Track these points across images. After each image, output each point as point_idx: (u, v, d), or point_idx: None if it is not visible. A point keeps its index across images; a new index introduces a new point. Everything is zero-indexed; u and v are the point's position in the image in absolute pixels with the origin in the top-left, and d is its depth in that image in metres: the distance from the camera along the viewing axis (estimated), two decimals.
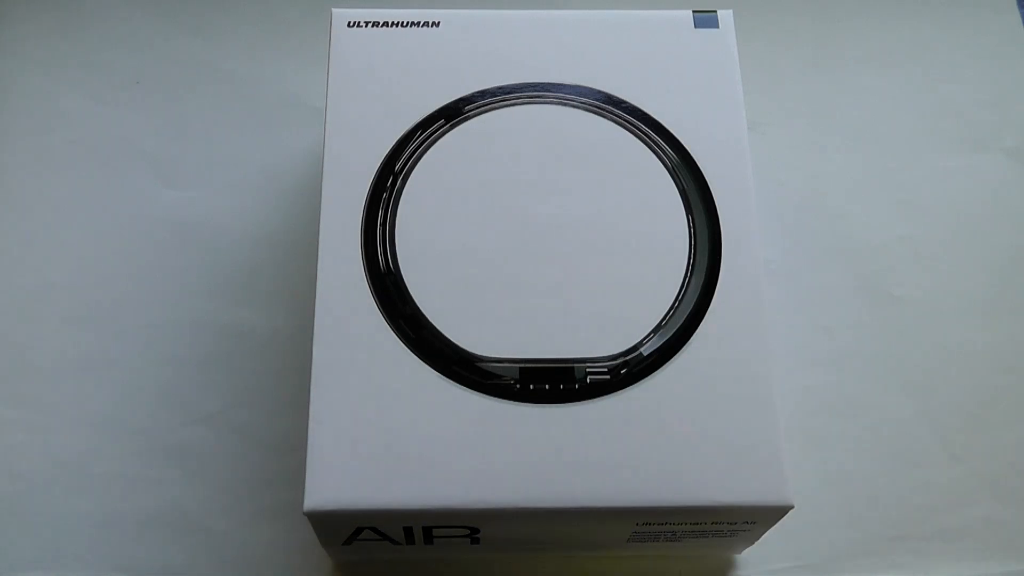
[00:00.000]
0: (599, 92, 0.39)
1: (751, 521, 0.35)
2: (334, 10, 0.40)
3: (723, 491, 0.34)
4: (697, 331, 0.36)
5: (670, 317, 0.36)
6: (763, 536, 0.38)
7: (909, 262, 0.46)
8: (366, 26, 0.40)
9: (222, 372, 0.43)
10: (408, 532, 0.35)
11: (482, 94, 0.39)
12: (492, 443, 0.34)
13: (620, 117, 0.39)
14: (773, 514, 0.35)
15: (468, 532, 0.36)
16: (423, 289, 0.36)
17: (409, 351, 0.35)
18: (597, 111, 0.39)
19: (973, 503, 0.42)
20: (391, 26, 0.40)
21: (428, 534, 0.36)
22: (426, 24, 0.40)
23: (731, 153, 0.38)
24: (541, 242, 0.37)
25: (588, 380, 0.35)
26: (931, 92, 0.50)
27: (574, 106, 0.39)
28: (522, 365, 0.35)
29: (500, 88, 0.39)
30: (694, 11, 0.40)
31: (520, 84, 0.39)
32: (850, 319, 0.45)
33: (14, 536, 0.40)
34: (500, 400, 0.34)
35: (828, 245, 0.46)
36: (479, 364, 0.35)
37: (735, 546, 0.39)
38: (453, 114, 0.38)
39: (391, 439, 0.34)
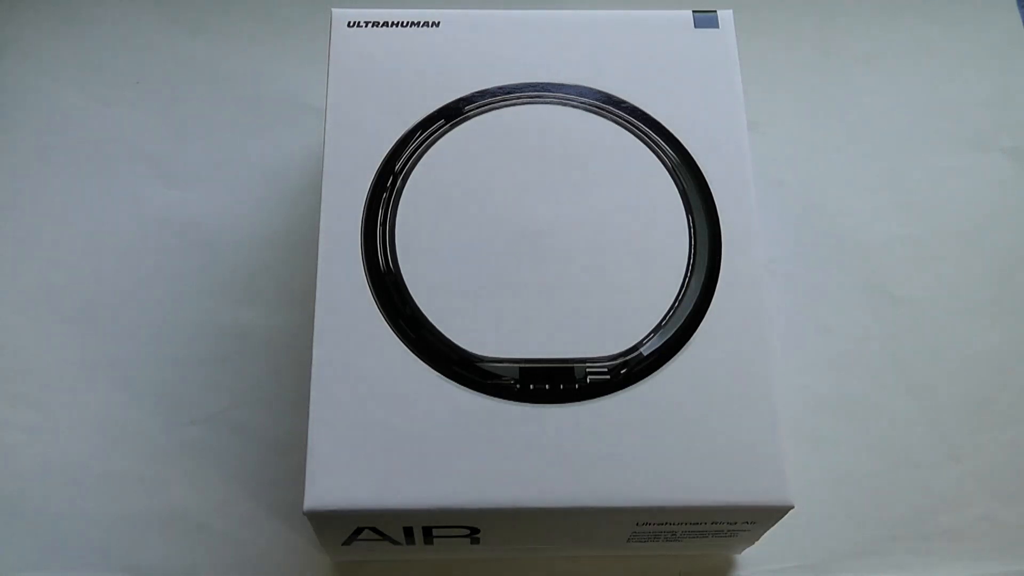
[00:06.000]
0: (599, 92, 0.39)
1: (751, 521, 0.35)
2: (334, 10, 0.40)
3: (723, 491, 0.34)
4: (697, 331, 0.36)
5: (670, 317, 0.36)
6: (763, 536, 0.38)
7: (909, 262, 0.46)
8: (366, 26, 0.40)
9: (222, 372, 0.43)
10: (408, 532, 0.35)
11: (482, 94, 0.39)
12: (492, 443, 0.34)
13: (620, 117, 0.39)
14: (773, 514, 0.35)
15: (468, 532, 0.36)
16: (423, 289, 0.36)
17: (409, 351, 0.35)
18: (597, 111, 0.39)
19: (973, 503, 0.42)
20: (391, 26, 0.40)
21: (428, 534, 0.36)
22: (426, 24, 0.40)
23: (731, 153, 0.38)
24: (541, 242, 0.37)
25: (588, 380, 0.35)
26: (931, 92, 0.50)
27: (574, 106, 0.39)
28: (522, 365, 0.35)
29: (500, 88, 0.39)
30: (694, 11, 0.40)
31: (520, 84, 0.39)
32: (850, 319, 0.45)
33: (14, 536, 0.40)
34: (500, 400, 0.34)
35: (828, 245, 0.46)
36: (479, 364, 0.35)
37: (735, 546, 0.39)
38: (453, 114, 0.38)
39: (391, 439, 0.34)
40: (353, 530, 0.35)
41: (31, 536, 0.40)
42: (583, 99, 0.39)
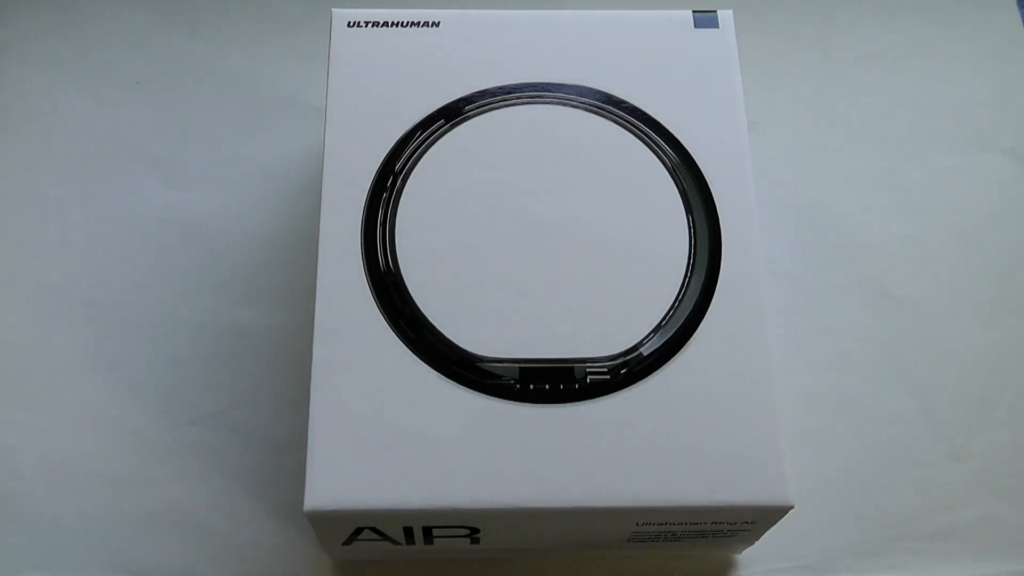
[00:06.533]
0: (599, 92, 0.39)
1: (751, 521, 0.35)
2: (334, 10, 0.40)
3: (723, 491, 0.34)
4: (697, 331, 0.36)
5: (670, 317, 0.36)
6: (763, 536, 0.38)
7: (909, 262, 0.46)
8: (366, 26, 0.40)
9: (222, 372, 0.43)
10: (408, 532, 0.35)
11: (482, 94, 0.39)
12: (492, 443, 0.34)
13: (620, 117, 0.39)
14: (773, 514, 0.35)
15: (468, 532, 0.36)
16: (423, 289, 0.36)
17: (409, 351, 0.35)
18: (597, 111, 0.39)
19: (973, 503, 0.42)
20: (391, 26, 0.40)
21: (428, 534, 0.36)
22: (426, 24, 0.40)
23: (731, 153, 0.38)
24: (541, 242, 0.37)
25: (588, 380, 0.35)
26: (931, 92, 0.50)
27: (574, 106, 0.39)
28: (522, 365, 0.35)
29: (500, 88, 0.39)
30: (694, 11, 0.40)
31: (520, 84, 0.39)
32: (850, 319, 0.45)
33: (14, 536, 0.40)
34: (500, 400, 0.34)
35: (828, 245, 0.46)
36: (479, 364, 0.35)
37: (735, 546, 0.39)
38: (453, 114, 0.38)
39: (391, 439, 0.34)
40: (353, 530, 0.35)
41: (31, 536, 0.40)
42: (583, 99, 0.39)
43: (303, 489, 0.33)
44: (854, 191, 0.47)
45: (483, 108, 0.39)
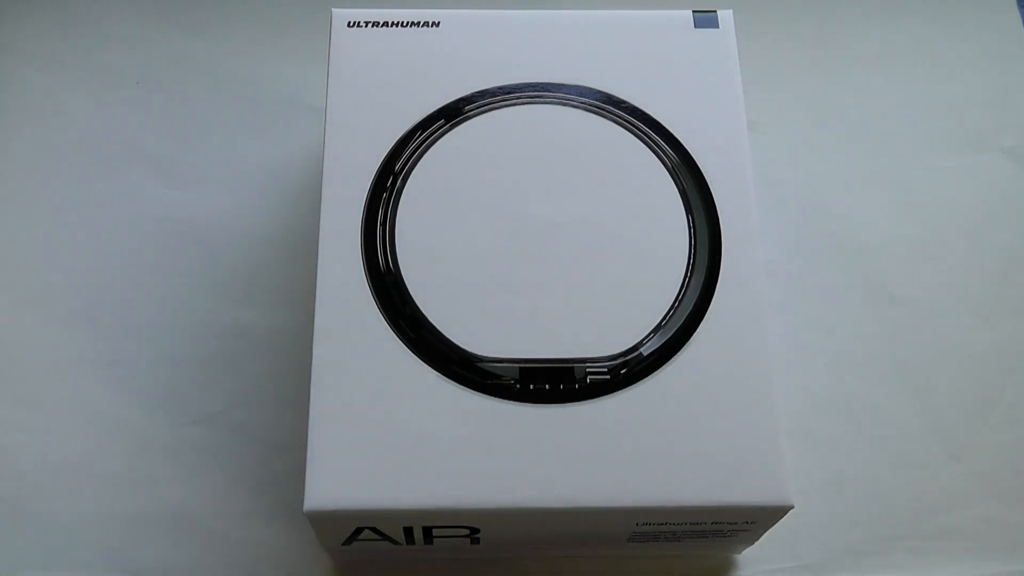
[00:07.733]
0: (599, 92, 0.39)
1: (751, 521, 0.35)
2: (334, 10, 0.40)
3: (723, 491, 0.34)
4: (697, 331, 0.36)
5: (670, 317, 0.36)
6: (763, 536, 0.38)
7: (909, 262, 0.46)
8: (366, 26, 0.40)
9: (222, 372, 0.43)
10: (408, 532, 0.35)
11: (482, 94, 0.39)
12: (492, 443, 0.34)
13: (620, 117, 0.39)
14: (773, 514, 0.35)
15: (468, 532, 0.36)
16: (423, 289, 0.36)
17: (409, 351, 0.35)
18: (597, 111, 0.39)
19: (973, 503, 0.42)
20: (391, 26, 0.40)
21: (428, 534, 0.36)
22: (426, 24, 0.40)
23: (731, 153, 0.38)
24: (541, 242, 0.37)
25: (588, 380, 0.35)
26: (931, 92, 0.50)
27: (574, 106, 0.39)
28: (522, 365, 0.35)
29: (500, 88, 0.39)
30: (694, 11, 0.40)
31: (520, 84, 0.39)
32: (850, 319, 0.45)
33: (14, 536, 0.40)
34: (500, 400, 0.34)
35: (828, 245, 0.46)
36: (479, 364, 0.35)
37: (735, 546, 0.39)
38: (453, 114, 0.38)
39: (391, 439, 0.34)
40: (353, 530, 0.35)
41: (31, 536, 0.40)
42: (583, 99, 0.39)
43: (303, 489, 0.33)
44: (854, 191, 0.47)
45: (483, 108, 0.39)
